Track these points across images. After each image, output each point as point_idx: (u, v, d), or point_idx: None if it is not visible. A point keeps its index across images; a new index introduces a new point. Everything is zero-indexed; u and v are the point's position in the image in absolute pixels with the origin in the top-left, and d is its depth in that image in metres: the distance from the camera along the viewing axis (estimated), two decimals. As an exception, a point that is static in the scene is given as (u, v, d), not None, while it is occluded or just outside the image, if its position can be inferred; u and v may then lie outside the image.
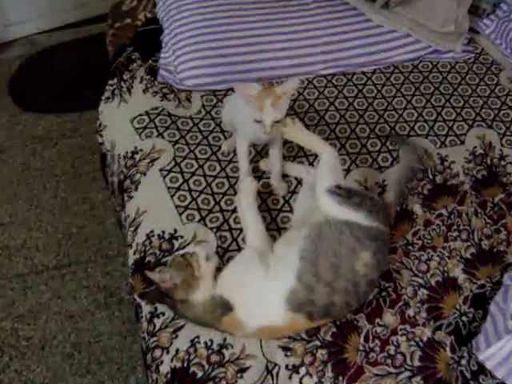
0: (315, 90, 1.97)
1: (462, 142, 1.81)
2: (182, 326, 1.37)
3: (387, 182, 1.61)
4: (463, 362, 1.33)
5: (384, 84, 2.00)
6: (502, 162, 1.75)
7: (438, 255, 1.52)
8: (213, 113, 1.91)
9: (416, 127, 1.85)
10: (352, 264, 1.30)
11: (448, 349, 1.36)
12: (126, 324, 2.16)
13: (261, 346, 1.34)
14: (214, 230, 1.57)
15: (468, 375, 1.31)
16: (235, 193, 1.63)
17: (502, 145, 1.80)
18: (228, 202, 1.64)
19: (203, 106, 1.96)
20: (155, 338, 1.38)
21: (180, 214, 1.61)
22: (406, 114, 1.90)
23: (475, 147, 1.79)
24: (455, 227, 1.58)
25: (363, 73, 2.04)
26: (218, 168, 1.74)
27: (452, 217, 1.60)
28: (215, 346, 1.34)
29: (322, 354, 1.34)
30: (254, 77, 1.95)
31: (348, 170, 1.71)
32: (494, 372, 1.28)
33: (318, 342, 1.36)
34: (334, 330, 1.38)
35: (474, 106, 1.93)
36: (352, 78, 2.02)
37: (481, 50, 2.14)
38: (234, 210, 1.60)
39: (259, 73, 1.96)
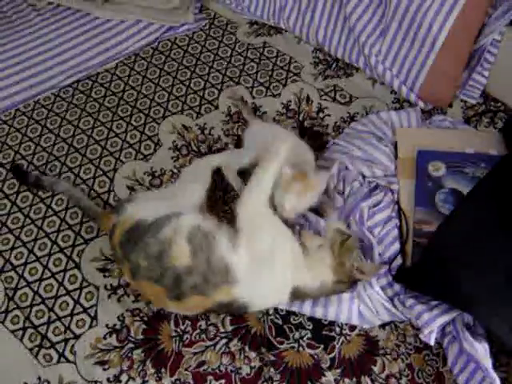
0: (63, 101, 2.01)
1: (216, 107, 1.91)
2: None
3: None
4: (271, 311, 1.46)
5: (129, 75, 2.08)
6: (258, 113, 1.88)
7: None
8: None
9: (170, 106, 1.95)
10: None
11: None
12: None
13: (77, 370, 1.42)
14: (-3, 274, 1.53)
15: (279, 321, 1.46)
16: (9, 230, 1.68)
17: (254, 97, 1.91)
18: (4, 241, 1.67)
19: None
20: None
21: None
22: (158, 96, 1.99)
23: (229, 107, 1.92)
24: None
25: (106, 70, 2.09)
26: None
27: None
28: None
29: (138, 354, 1.43)
30: (0, 107, 1.97)
31: (115, 169, 1.80)
32: (300, 311, 1.46)
33: (131, 345, 1.44)
34: (144, 326, 1.47)
35: (219, 69, 2.06)
36: (97, 79, 2.07)
37: (214, 15, 2.27)
38: (13, 248, 1.65)
39: (5, 102, 2.00)
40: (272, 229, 1.39)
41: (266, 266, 1.33)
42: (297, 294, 1.35)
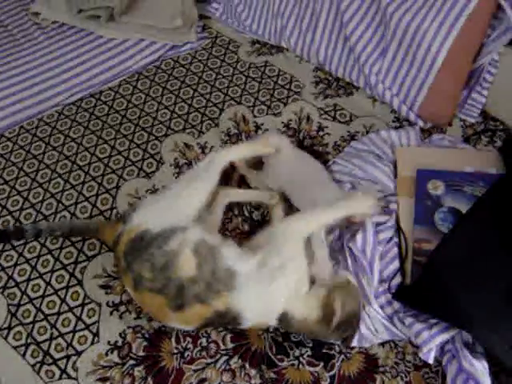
0: (67, 119, 2.04)
1: (217, 125, 1.94)
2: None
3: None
4: (271, 328, 1.48)
5: (132, 93, 2.11)
6: (259, 132, 1.92)
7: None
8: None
9: (172, 125, 1.97)
10: None
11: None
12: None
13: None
14: (0, 290, 1.61)
15: (280, 339, 1.47)
16: (13, 247, 1.70)
17: (255, 115, 1.94)
18: (8, 258, 1.68)
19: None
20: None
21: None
22: (160, 115, 2.01)
23: (229, 128, 1.95)
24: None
25: (110, 88, 2.12)
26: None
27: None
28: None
29: (139, 371, 1.45)
30: (4, 124, 2.02)
31: (117, 187, 1.81)
32: None
33: (132, 361, 1.46)
34: (145, 343, 1.48)
35: (220, 88, 2.08)
36: (100, 97, 2.09)
37: (216, 34, 2.30)
38: (16, 264, 1.66)
39: (9, 119, 2.04)
40: (292, 254, 1.38)
41: (267, 283, 1.34)
42: (283, 320, 1.34)
